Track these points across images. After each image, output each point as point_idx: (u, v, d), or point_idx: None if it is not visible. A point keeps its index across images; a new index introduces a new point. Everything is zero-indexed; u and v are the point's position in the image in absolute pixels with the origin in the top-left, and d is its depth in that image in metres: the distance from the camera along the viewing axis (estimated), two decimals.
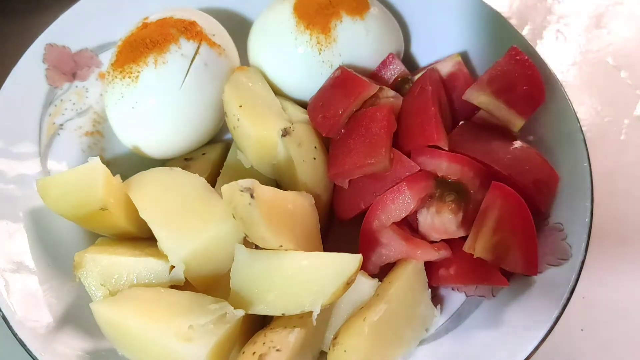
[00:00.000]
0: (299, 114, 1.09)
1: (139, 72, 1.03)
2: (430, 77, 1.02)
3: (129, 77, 1.04)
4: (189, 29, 1.07)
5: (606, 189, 1.20)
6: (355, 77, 1.04)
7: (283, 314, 0.87)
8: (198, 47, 1.06)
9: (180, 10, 1.12)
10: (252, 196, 0.85)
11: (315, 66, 1.10)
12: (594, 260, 1.03)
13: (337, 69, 1.07)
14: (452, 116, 1.09)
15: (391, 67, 1.13)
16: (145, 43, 1.04)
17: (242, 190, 0.85)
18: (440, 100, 1.04)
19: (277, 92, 1.13)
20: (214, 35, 1.10)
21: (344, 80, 1.04)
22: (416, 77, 1.10)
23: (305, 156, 1.00)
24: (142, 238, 1.00)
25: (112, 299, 0.89)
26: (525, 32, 1.46)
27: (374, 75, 1.12)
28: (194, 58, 1.05)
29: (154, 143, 1.09)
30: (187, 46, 1.05)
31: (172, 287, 0.93)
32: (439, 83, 1.06)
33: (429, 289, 0.99)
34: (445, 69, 1.12)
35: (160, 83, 1.03)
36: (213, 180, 1.07)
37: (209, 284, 0.95)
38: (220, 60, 1.09)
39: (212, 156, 1.13)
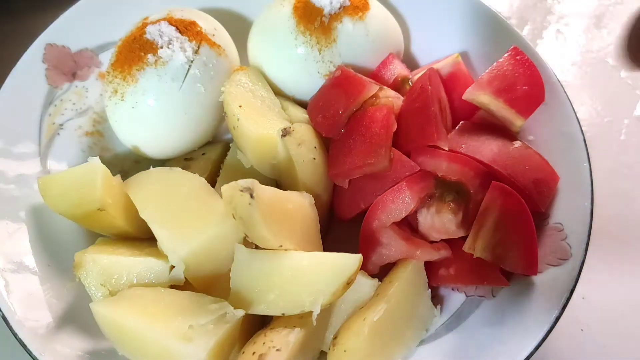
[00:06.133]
0: (299, 114, 1.09)
1: (138, 72, 1.03)
2: (430, 77, 1.02)
3: (129, 77, 1.04)
4: (189, 29, 1.07)
5: (606, 189, 1.20)
6: (355, 77, 1.04)
7: (283, 314, 0.87)
8: (198, 47, 1.06)
9: (180, 10, 1.12)
10: (252, 196, 0.85)
11: (315, 66, 1.10)
12: (594, 260, 1.03)
13: (337, 69, 1.07)
14: (452, 116, 1.09)
15: (391, 67, 1.13)
16: (145, 43, 1.04)
17: (242, 190, 0.85)
18: (440, 100, 1.04)
19: (277, 92, 1.13)
20: (214, 35, 1.10)
21: (344, 80, 1.04)
22: (416, 77, 1.10)
23: (305, 156, 1.00)
24: (142, 238, 1.00)
25: (112, 299, 0.89)
26: (525, 32, 1.46)
27: (374, 75, 1.12)
28: (194, 58, 1.05)
29: (154, 143, 1.09)
30: (187, 46, 1.05)
31: (172, 287, 0.93)
32: (439, 83, 1.06)
33: (429, 289, 0.99)
34: (445, 69, 1.12)
35: (160, 83, 1.03)
36: (213, 180, 1.07)
37: (209, 284, 0.95)
38: (220, 60, 1.09)
39: (212, 156, 1.13)
